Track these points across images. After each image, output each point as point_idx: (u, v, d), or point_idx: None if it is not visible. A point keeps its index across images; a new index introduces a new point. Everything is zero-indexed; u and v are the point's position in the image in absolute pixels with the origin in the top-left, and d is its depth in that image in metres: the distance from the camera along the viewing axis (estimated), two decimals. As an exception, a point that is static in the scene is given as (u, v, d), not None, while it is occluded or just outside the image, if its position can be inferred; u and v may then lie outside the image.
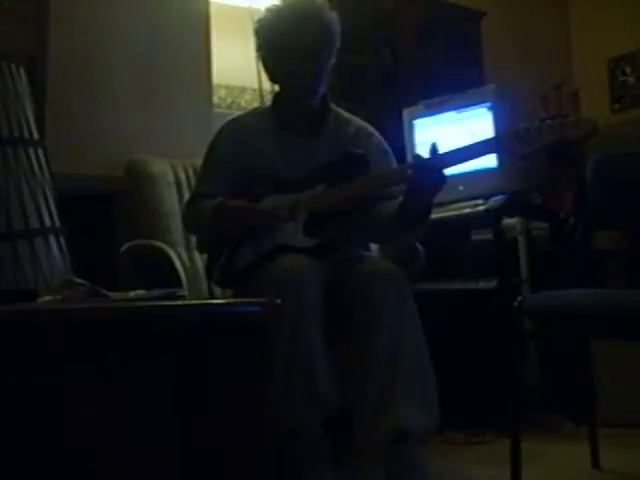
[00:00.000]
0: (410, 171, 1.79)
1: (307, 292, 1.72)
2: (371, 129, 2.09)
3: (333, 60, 1.99)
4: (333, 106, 2.08)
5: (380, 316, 1.74)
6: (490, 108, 2.81)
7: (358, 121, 2.10)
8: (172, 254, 2.34)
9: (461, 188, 2.73)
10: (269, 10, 2.01)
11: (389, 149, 2.08)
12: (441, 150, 1.77)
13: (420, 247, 2.19)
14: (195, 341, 1.11)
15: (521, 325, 1.92)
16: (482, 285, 2.58)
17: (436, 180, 1.75)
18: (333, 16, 1.98)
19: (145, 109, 2.85)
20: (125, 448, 1.08)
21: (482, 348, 2.46)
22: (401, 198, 1.84)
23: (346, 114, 2.10)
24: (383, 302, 1.76)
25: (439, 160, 1.75)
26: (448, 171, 1.77)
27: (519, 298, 1.86)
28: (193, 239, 2.47)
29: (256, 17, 2.09)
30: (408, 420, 1.68)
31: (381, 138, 2.09)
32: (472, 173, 2.53)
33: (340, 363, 1.77)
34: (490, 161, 2.61)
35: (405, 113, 3.03)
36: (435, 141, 1.77)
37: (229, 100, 3.33)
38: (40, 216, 2.20)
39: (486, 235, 2.57)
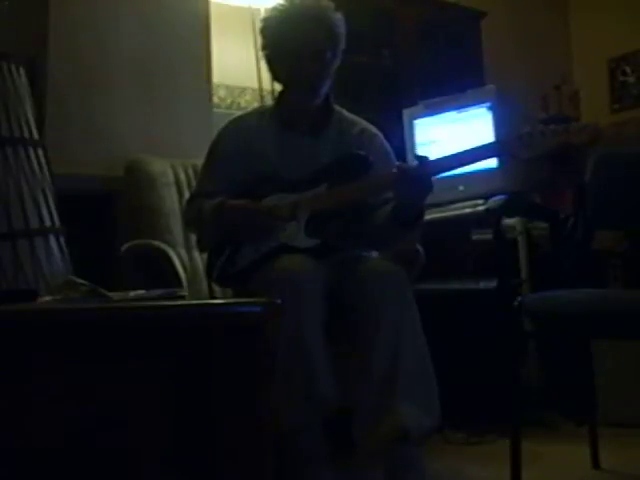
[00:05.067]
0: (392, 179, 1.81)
1: (307, 292, 1.72)
2: (374, 130, 2.09)
3: (337, 61, 2.00)
4: (336, 107, 2.08)
5: (380, 316, 1.74)
6: (490, 108, 2.80)
7: (362, 122, 2.09)
8: (172, 254, 2.34)
9: (461, 188, 2.73)
10: (275, 9, 2.01)
11: (391, 151, 2.08)
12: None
13: (420, 249, 2.19)
14: (195, 341, 1.11)
15: (521, 325, 1.92)
16: (482, 285, 2.58)
17: (418, 189, 1.77)
18: (339, 17, 1.98)
19: (145, 109, 2.85)
20: (125, 448, 1.08)
21: (482, 348, 2.46)
22: (392, 204, 1.86)
23: (350, 115, 2.10)
24: (383, 302, 1.76)
25: (423, 168, 1.76)
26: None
27: (519, 298, 1.87)
28: (193, 239, 2.47)
29: (257, 17, 2.09)
30: (408, 420, 1.68)
31: (384, 140, 2.08)
32: (472, 173, 2.52)
33: (340, 363, 1.77)
34: (490, 161, 2.60)
35: (405, 113, 3.03)
36: (423, 154, 1.80)
37: (229, 100, 3.33)
38: (40, 216, 2.20)
39: (486, 235, 2.57)
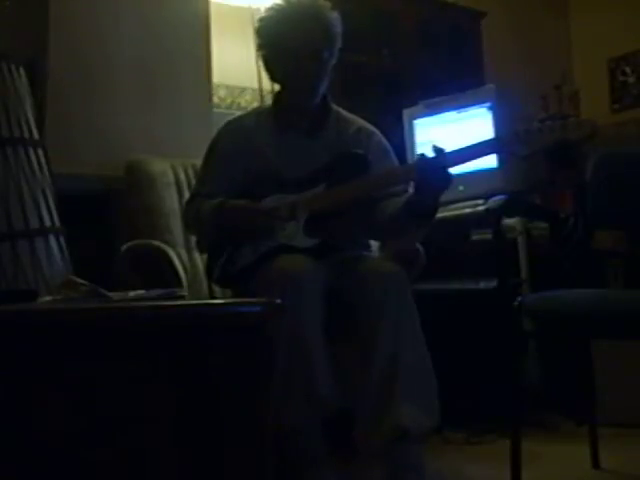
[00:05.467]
0: (413, 172, 1.79)
1: (307, 292, 1.72)
2: (372, 129, 2.09)
3: (334, 60, 2.00)
4: (334, 106, 2.08)
5: (380, 316, 1.74)
6: (490, 108, 2.81)
7: (359, 121, 2.09)
8: (172, 254, 2.34)
9: (461, 188, 2.72)
10: (271, 9, 2.01)
11: (390, 148, 2.08)
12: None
13: (421, 249, 2.19)
14: (195, 341, 1.11)
15: (521, 325, 1.92)
16: (482, 285, 2.58)
17: (440, 179, 1.75)
18: (335, 17, 1.98)
19: (145, 109, 2.85)
20: (124, 447, 1.08)
21: (482, 348, 2.46)
22: (406, 196, 1.84)
23: (347, 114, 2.10)
24: (383, 302, 1.76)
25: (440, 160, 1.75)
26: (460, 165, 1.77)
27: (519, 298, 1.87)
28: (193, 239, 2.47)
29: (257, 17, 2.09)
30: (408, 420, 1.68)
31: (382, 137, 2.08)
32: (472, 173, 2.52)
33: (340, 363, 1.77)
34: (490, 161, 2.61)
35: (405, 113, 3.03)
36: (435, 142, 1.77)
37: (229, 100, 3.33)
38: (40, 216, 2.20)
39: (486, 235, 2.57)
